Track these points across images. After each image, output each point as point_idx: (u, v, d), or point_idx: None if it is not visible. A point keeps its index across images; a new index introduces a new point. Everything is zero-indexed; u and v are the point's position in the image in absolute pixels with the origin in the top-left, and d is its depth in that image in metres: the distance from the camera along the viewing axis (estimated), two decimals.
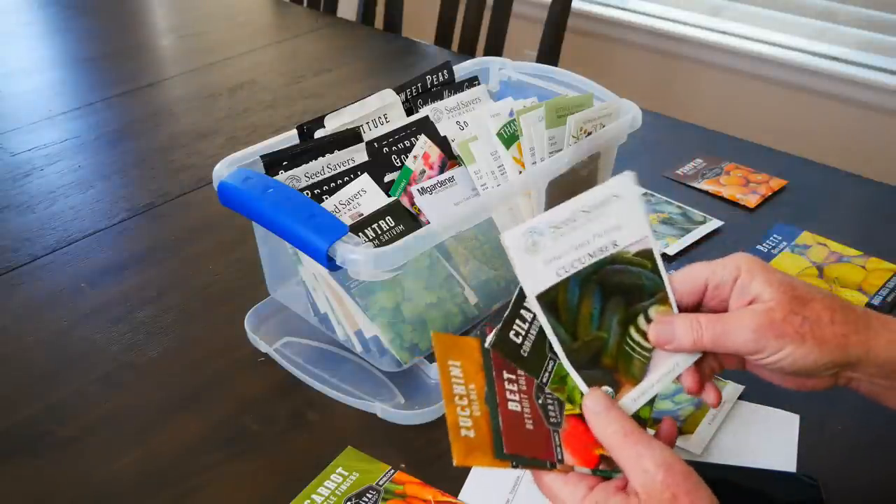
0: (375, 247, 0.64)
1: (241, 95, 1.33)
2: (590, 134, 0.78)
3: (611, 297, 0.53)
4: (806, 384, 0.55)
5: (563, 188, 0.76)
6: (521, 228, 0.51)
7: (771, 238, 0.94)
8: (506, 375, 0.53)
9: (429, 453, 0.68)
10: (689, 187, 1.05)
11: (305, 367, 0.76)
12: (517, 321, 0.53)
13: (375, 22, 1.75)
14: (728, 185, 1.05)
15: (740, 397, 0.72)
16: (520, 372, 0.53)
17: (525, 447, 0.50)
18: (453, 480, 0.65)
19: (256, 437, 0.70)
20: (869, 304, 0.83)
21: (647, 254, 0.54)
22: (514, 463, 0.50)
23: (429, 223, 0.71)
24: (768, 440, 0.69)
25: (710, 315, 0.53)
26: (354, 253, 0.62)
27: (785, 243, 0.93)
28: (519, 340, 0.53)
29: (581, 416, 0.52)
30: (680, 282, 0.55)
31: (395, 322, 0.70)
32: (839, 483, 0.64)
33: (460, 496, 0.64)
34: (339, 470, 0.66)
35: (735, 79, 2.07)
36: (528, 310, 0.53)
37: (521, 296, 0.53)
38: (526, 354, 0.53)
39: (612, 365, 0.53)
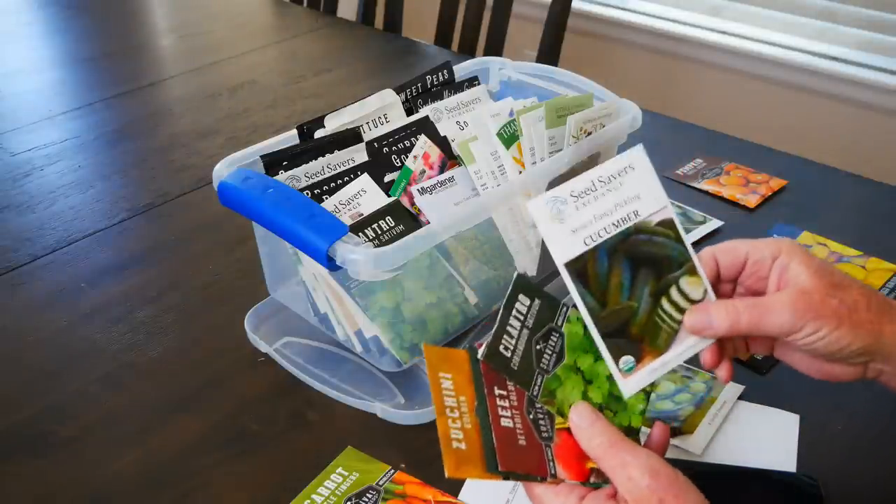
0: (375, 247, 0.64)
1: (241, 95, 1.33)
2: (590, 134, 0.78)
3: (640, 267, 0.54)
4: (834, 371, 0.55)
5: None
6: (544, 197, 0.52)
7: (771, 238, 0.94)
8: (497, 392, 0.53)
9: (429, 453, 0.68)
10: (689, 187, 1.05)
11: (305, 367, 0.76)
12: (505, 336, 0.54)
13: (375, 22, 1.75)
14: (728, 185, 1.05)
15: (740, 397, 0.72)
16: (510, 388, 0.54)
17: (519, 463, 0.51)
18: (453, 481, 0.65)
19: (256, 437, 0.70)
20: None
21: (668, 223, 0.55)
22: (506, 476, 0.50)
23: (429, 223, 0.71)
24: (768, 440, 0.69)
25: (746, 299, 0.53)
26: (354, 253, 0.62)
27: None
28: (508, 354, 0.54)
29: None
30: (723, 252, 0.56)
31: (395, 322, 0.70)
32: (839, 483, 0.64)
33: (460, 496, 0.64)
34: (339, 470, 0.66)
35: (735, 79, 2.07)
36: (514, 326, 0.54)
37: (507, 312, 0.54)
38: (516, 368, 0.54)
39: (639, 335, 0.54)
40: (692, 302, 0.55)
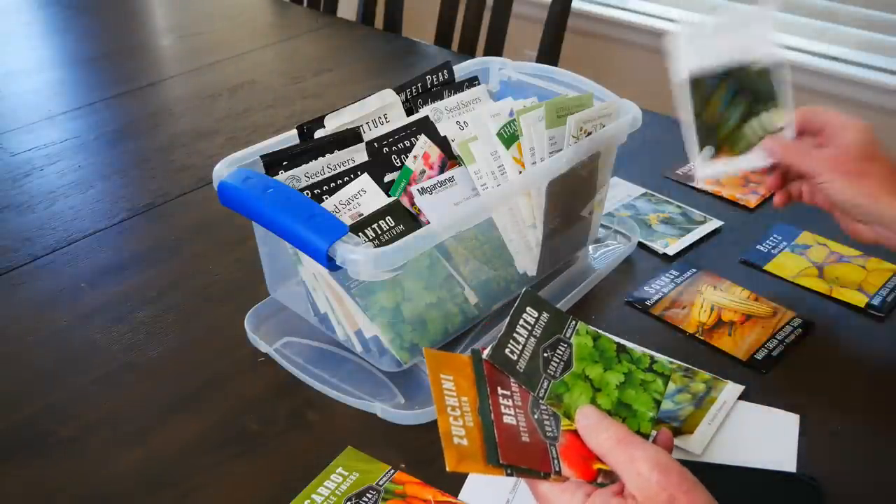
0: (375, 247, 0.64)
1: (241, 95, 1.33)
2: (590, 134, 0.78)
3: (741, 92, 0.75)
4: (854, 228, 0.76)
5: (563, 188, 0.76)
6: (690, 25, 0.74)
7: (771, 238, 0.94)
8: (500, 391, 0.54)
9: (429, 453, 0.68)
10: (689, 187, 1.05)
11: (305, 367, 0.76)
12: (511, 342, 0.56)
13: (375, 22, 1.75)
14: (728, 185, 1.05)
15: (740, 397, 0.72)
16: (514, 388, 0.55)
17: (521, 458, 0.51)
18: (453, 480, 0.65)
19: (256, 437, 0.70)
20: (869, 305, 0.83)
21: (778, 68, 0.74)
22: (509, 471, 0.50)
23: (429, 223, 0.71)
24: (768, 440, 0.69)
25: (804, 144, 0.76)
26: (354, 253, 0.62)
27: (785, 243, 0.93)
28: (514, 357, 0.55)
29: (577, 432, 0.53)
30: (811, 113, 0.77)
31: (395, 322, 0.70)
32: (839, 483, 0.64)
33: (460, 496, 0.64)
34: (339, 470, 0.66)
35: None
36: (521, 334, 0.57)
37: (514, 321, 0.57)
38: (522, 370, 0.55)
39: (722, 139, 0.76)
40: (771, 132, 0.75)
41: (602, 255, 0.92)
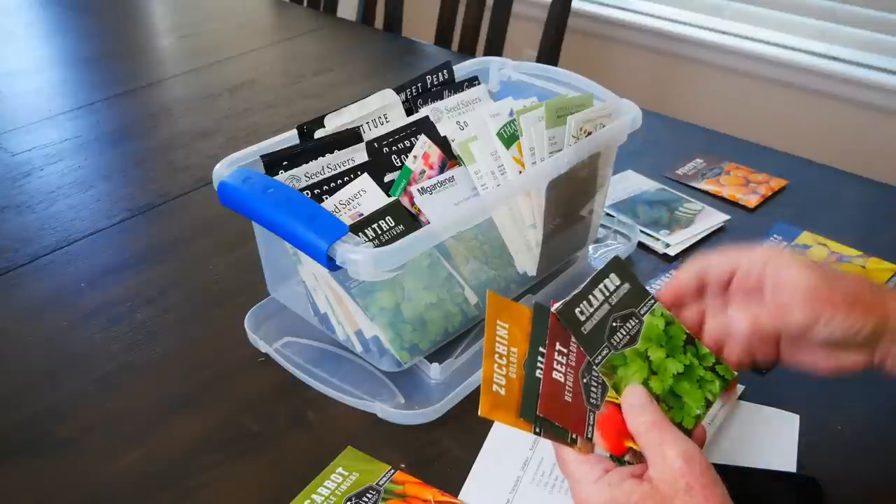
0: (375, 247, 0.64)
1: (241, 95, 1.33)
2: (590, 134, 0.77)
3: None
4: (844, 362, 0.57)
5: (564, 188, 0.76)
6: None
7: (771, 238, 0.94)
8: (558, 347, 0.54)
9: (429, 453, 0.68)
10: (689, 187, 1.05)
11: (305, 367, 0.76)
12: (584, 303, 0.56)
13: (375, 22, 1.75)
14: (728, 185, 1.05)
15: (740, 397, 0.72)
16: (572, 349, 0.55)
17: (558, 414, 0.52)
18: (453, 480, 0.65)
19: (256, 437, 0.70)
20: None
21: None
22: (538, 428, 0.51)
23: (429, 223, 0.71)
24: (768, 440, 0.69)
25: (762, 306, 0.58)
26: (354, 253, 0.62)
27: (785, 243, 0.93)
28: (583, 318, 0.55)
29: (620, 406, 0.53)
30: (712, 266, 0.59)
31: (395, 322, 0.70)
32: (839, 483, 0.64)
33: (460, 496, 0.64)
34: (339, 470, 0.66)
35: (735, 79, 2.07)
36: (597, 297, 0.56)
37: (594, 284, 0.57)
38: (586, 332, 0.55)
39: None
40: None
41: (602, 255, 0.92)
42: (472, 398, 0.74)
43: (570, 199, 0.79)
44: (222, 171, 0.72)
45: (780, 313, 0.56)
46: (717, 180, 1.06)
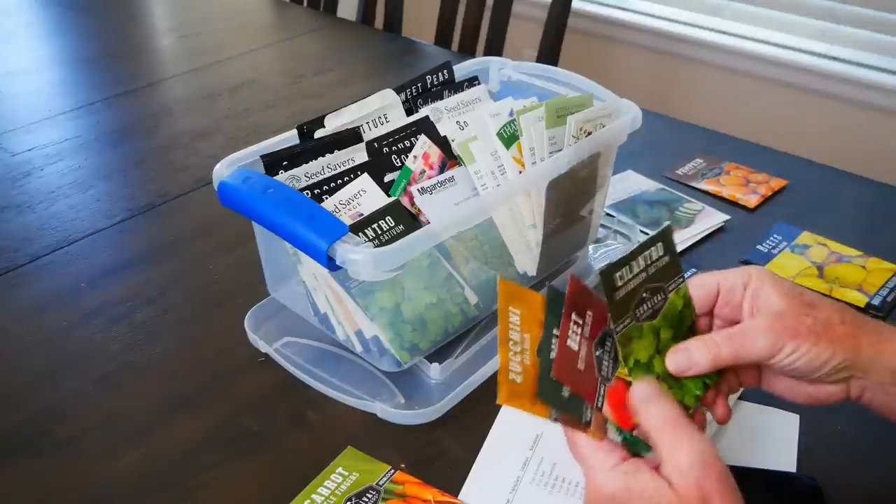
0: (375, 247, 0.64)
1: (241, 95, 1.33)
2: (590, 134, 0.77)
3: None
4: (819, 394, 0.55)
5: (564, 188, 0.76)
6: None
7: (771, 238, 0.94)
8: (574, 317, 0.53)
9: (429, 453, 0.68)
10: (689, 187, 1.05)
11: (305, 367, 0.76)
12: (626, 268, 0.54)
13: (375, 22, 1.75)
14: (728, 185, 1.05)
15: (740, 397, 0.72)
16: (588, 320, 0.54)
17: (571, 380, 0.51)
18: (453, 480, 0.65)
19: (256, 437, 0.70)
20: (869, 304, 0.83)
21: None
22: (554, 414, 0.51)
23: (429, 223, 0.71)
24: (768, 440, 0.69)
25: (723, 331, 0.54)
26: (354, 253, 0.62)
27: (785, 243, 0.93)
28: (619, 284, 0.54)
29: (628, 382, 0.53)
30: (695, 287, 0.57)
31: (395, 322, 0.70)
32: (839, 483, 0.64)
33: (460, 496, 0.64)
34: (339, 470, 0.66)
35: (735, 79, 2.07)
36: (640, 265, 0.55)
37: (641, 250, 0.55)
38: (616, 299, 0.54)
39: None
40: None
41: (602, 255, 0.92)
42: (473, 398, 0.74)
43: (570, 199, 0.79)
44: (222, 171, 0.72)
45: (744, 339, 0.53)
46: (717, 180, 1.06)
